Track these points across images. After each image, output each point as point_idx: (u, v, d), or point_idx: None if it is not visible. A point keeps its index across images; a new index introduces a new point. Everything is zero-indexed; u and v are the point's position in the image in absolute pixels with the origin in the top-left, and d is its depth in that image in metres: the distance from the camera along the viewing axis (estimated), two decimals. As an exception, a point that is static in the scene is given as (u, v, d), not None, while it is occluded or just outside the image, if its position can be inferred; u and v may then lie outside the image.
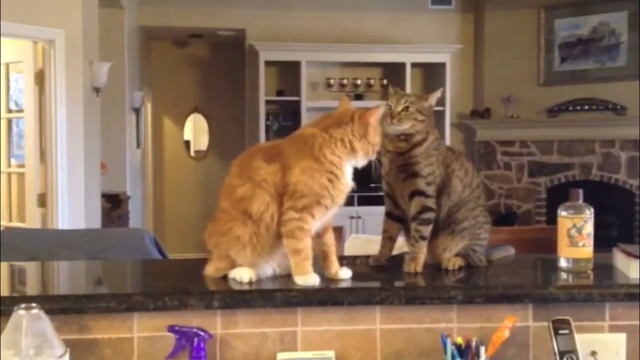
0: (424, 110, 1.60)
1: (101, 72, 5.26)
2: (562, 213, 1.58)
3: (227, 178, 1.49)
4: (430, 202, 1.59)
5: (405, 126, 1.58)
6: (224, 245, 1.46)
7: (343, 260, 1.72)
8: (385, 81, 7.25)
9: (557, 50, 7.00)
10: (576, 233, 1.56)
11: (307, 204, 1.40)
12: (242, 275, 1.46)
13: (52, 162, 4.74)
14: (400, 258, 1.66)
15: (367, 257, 1.66)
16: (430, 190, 1.59)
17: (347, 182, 1.44)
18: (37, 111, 4.81)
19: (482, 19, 7.34)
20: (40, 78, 4.79)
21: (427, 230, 1.59)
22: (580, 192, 1.58)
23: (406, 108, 1.59)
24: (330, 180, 1.41)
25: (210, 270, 1.52)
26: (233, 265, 1.48)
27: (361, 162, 1.47)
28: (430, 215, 1.59)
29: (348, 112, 1.47)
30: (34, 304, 1.23)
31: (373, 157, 1.49)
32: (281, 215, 1.41)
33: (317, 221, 1.43)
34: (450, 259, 1.62)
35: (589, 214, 1.57)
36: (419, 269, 1.58)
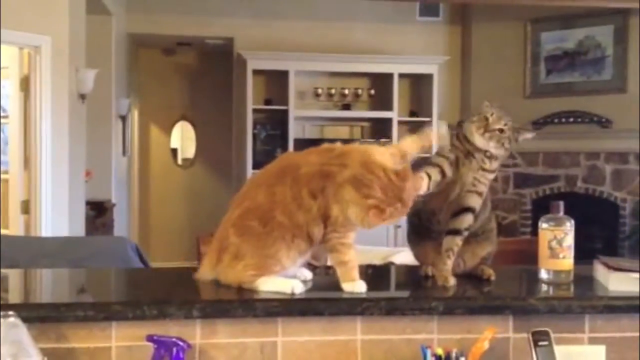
0: (512, 141, 1.58)
1: (87, 79, 5.25)
2: (543, 225, 1.59)
3: (274, 177, 1.48)
4: (473, 219, 1.60)
5: (492, 145, 1.56)
6: (274, 249, 1.45)
7: (329, 269, 1.73)
8: (373, 91, 7.28)
9: (543, 63, 7.06)
10: (557, 245, 1.57)
11: (347, 230, 1.46)
12: (294, 286, 1.46)
13: (37, 168, 4.71)
14: (385, 268, 1.66)
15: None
16: (479, 208, 1.60)
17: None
18: (21, 117, 4.78)
19: (469, 31, 7.39)
20: (25, 84, 4.77)
21: (460, 244, 1.60)
22: (561, 204, 1.59)
23: (502, 130, 1.55)
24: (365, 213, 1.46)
25: (244, 277, 1.47)
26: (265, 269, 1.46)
27: None
28: (468, 231, 1.60)
29: (370, 191, 1.40)
30: (10, 312, 1.22)
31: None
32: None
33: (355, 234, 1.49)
34: (485, 269, 1.64)
35: (569, 226, 1.58)
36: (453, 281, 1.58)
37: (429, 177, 1.52)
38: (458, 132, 1.63)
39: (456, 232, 1.59)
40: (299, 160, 1.49)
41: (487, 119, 1.57)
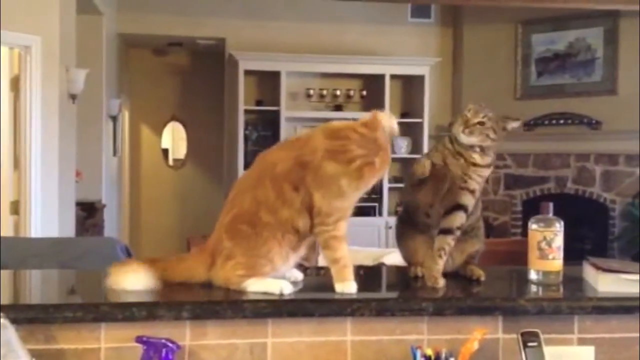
0: (497, 131, 1.59)
1: (78, 79, 5.23)
2: (532, 226, 1.60)
3: (254, 181, 1.49)
4: (465, 218, 1.61)
5: (475, 139, 1.58)
6: (266, 249, 1.45)
7: (320, 270, 1.73)
8: (364, 93, 7.28)
9: (534, 65, 7.09)
10: (546, 246, 1.58)
11: (335, 219, 1.46)
12: (282, 287, 1.45)
13: (26, 169, 4.69)
14: (376, 269, 1.67)
15: None
16: (471, 207, 1.61)
17: (358, 194, 1.48)
18: (11, 118, 4.76)
19: (461, 32, 7.41)
20: (15, 84, 4.74)
21: (453, 244, 1.60)
22: (551, 205, 1.60)
23: (482, 123, 1.58)
24: (347, 197, 1.46)
25: (232, 276, 1.47)
26: (255, 269, 1.46)
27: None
28: (460, 230, 1.61)
29: (352, 152, 1.41)
30: (-1, 313, 1.21)
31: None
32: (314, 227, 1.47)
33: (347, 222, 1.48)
34: (475, 270, 1.65)
35: (559, 227, 1.58)
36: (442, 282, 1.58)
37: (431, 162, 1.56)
38: (449, 136, 1.64)
39: (448, 231, 1.59)
40: (272, 159, 1.50)
41: (466, 116, 1.59)
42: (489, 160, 1.61)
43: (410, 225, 1.69)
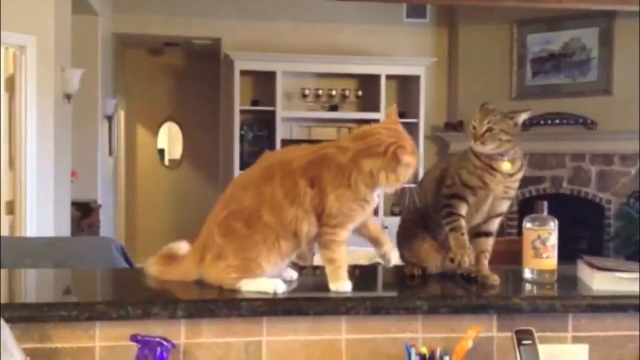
0: (509, 130, 1.56)
1: (73, 79, 5.22)
2: (527, 225, 1.60)
3: (260, 178, 1.48)
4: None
5: (489, 147, 1.56)
6: (255, 253, 1.45)
7: (315, 270, 1.73)
8: (360, 93, 7.29)
9: (529, 65, 7.10)
10: (540, 245, 1.58)
11: (338, 223, 1.46)
12: (276, 286, 1.45)
13: (22, 169, 4.68)
14: (372, 268, 1.67)
15: None
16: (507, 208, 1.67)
17: (374, 200, 1.49)
18: (6, 117, 4.75)
19: (456, 33, 7.42)
20: (10, 84, 4.73)
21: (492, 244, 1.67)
22: (545, 204, 1.60)
23: (490, 129, 1.56)
24: (360, 206, 1.47)
25: (225, 278, 1.47)
26: (247, 271, 1.46)
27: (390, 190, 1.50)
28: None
29: (384, 142, 1.44)
30: (-7, 312, 1.21)
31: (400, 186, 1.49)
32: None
33: (348, 232, 1.49)
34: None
35: (553, 226, 1.59)
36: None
37: (467, 202, 1.60)
38: (472, 151, 1.62)
39: (489, 234, 1.65)
40: (286, 157, 1.50)
41: (474, 127, 1.58)
42: (520, 163, 1.61)
43: (420, 227, 1.69)
